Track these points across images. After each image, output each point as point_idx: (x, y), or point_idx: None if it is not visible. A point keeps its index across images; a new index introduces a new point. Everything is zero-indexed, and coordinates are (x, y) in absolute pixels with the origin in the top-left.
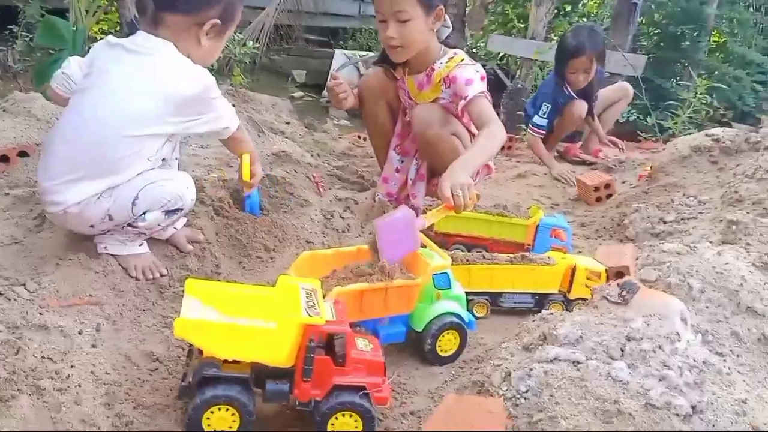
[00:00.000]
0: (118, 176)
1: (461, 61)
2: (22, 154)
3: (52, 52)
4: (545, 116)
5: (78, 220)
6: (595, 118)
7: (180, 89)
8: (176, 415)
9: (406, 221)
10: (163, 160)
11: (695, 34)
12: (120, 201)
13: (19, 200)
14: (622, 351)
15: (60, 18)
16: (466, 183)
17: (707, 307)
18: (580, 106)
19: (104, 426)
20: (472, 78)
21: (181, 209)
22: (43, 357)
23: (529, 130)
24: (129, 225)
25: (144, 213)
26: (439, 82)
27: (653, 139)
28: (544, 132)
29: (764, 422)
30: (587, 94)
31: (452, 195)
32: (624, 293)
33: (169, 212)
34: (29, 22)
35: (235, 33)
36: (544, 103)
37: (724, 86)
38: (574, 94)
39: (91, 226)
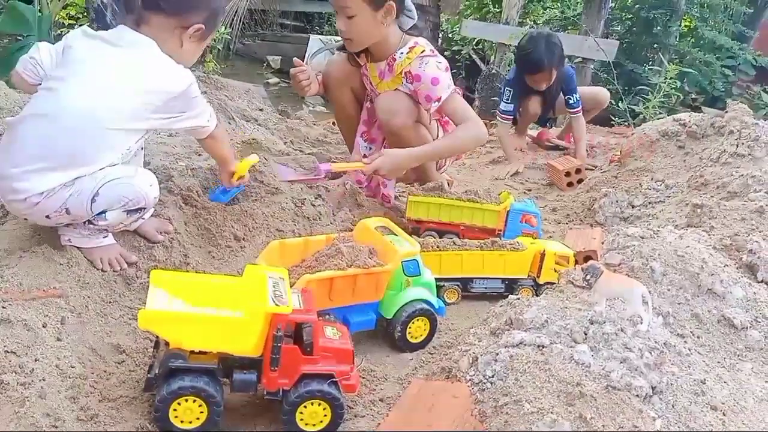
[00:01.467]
0: (87, 168)
1: (422, 52)
2: None
3: (19, 38)
4: (509, 101)
5: (35, 210)
6: (576, 121)
7: (165, 86)
8: (143, 407)
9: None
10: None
11: (667, 19)
12: (79, 195)
13: None
14: (586, 334)
15: (24, 3)
16: (394, 170)
17: (669, 290)
18: (535, 105)
19: (69, 420)
20: (437, 77)
21: (144, 208)
22: (6, 351)
23: (498, 118)
24: (89, 222)
25: (104, 212)
26: (401, 74)
27: (625, 124)
28: (511, 117)
29: (722, 401)
30: (548, 91)
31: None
32: (588, 277)
33: (130, 212)
34: None
35: None
36: (506, 89)
37: (694, 71)
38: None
39: (47, 216)
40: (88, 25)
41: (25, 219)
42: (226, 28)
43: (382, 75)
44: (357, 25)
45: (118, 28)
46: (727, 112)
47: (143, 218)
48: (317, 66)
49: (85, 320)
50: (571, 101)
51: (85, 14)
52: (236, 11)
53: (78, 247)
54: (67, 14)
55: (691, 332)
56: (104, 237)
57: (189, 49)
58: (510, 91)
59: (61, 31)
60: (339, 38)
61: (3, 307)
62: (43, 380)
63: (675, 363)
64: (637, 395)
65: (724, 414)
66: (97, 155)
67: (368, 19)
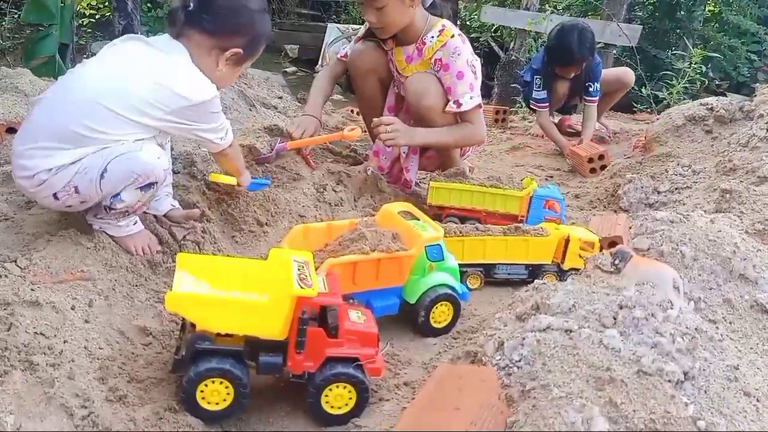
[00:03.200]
0: (92, 148)
1: (451, 37)
2: (10, 130)
3: (41, 28)
4: (540, 89)
5: (43, 188)
6: (589, 109)
7: (184, 93)
8: (170, 388)
9: None
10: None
11: (690, 4)
12: (86, 173)
13: (8, 177)
14: (615, 319)
15: None
16: (407, 137)
17: (700, 275)
18: (563, 86)
19: (98, 400)
20: (463, 72)
21: (155, 183)
22: (36, 333)
23: (534, 108)
24: (109, 208)
25: (119, 194)
26: (430, 59)
27: (648, 110)
28: (547, 104)
29: (756, 387)
30: (576, 77)
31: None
32: (616, 262)
33: (143, 188)
34: None
35: None
36: (536, 77)
37: (719, 56)
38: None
39: (56, 196)
40: (110, 15)
41: (35, 202)
42: None
43: (410, 59)
44: (387, 14)
45: (162, 35)
46: (755, 96)
47: (173, 204)
48: (334, 54)
49: (112, 303)
50: (590, 89)
51: (107, 4)
52: None
53: (111, 236)
54: (88, 4)
55: (723, 318)
56: (134, 224)
57: (224, 71)
58: (540, 78)
59: (83, 21)
60: (356, 26)
61: (32, 290)
62: (72, 361)
63: (707, 349)
64: (669, 381)
65: (757, 400)
66: (101, 137)
67: (397, 6)
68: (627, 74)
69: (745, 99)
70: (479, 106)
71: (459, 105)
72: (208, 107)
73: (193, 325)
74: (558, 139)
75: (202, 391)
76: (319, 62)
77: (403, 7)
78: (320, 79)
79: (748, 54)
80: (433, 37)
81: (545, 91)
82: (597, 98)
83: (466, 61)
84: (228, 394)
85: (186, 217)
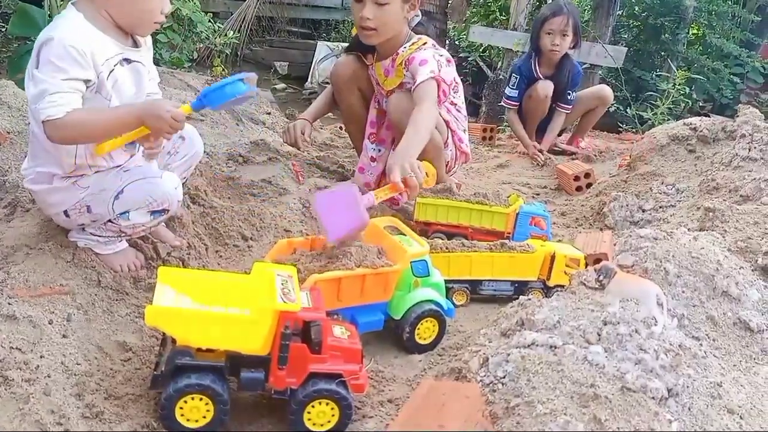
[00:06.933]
0: (60, 165)
1: (424, 44)
2: None
3: (28, 41)
4: (515, 87)
5: (51, 200)
6: (558, 116)
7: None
8: (149, 405)
9: (349, 197)
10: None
11: (674, 27)
12: (101, 193)
13: None
14: (599, 335)
15: (35, 6)
16: (415, 164)
17: (683, 292)
18: (545, 85)
19: (74, 417)
20: (426, 59)
21: (167, 210)
22: (12, 347)
23: (504, 104)
24: (110, 222)
25: (126, 212)
26: (401, 64)
27: (633, 130)
28: (516, 103)
29: (739, 405)
30: (556, 79)
31: (405, 178)
32: (601, 278)
33: (155, 212)
34: (5, 12)
35: (215, 23)
36: (513, 75)
37: (702, 78)
38: (542, 77)
39: (66, 213)
40: None
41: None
42: (234, 33)
43: (387, 72)
44: (387, 13)
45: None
46: (738, 116)
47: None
48: (324, 72)
49: (91, 317)
50: (569, 96)
51: None
52: (244, 18)
53: (96, 253)
54: None
55: (707, 335)
56: (120, 242)
57: (109, 4)
58: (516, 77)
59: None
60: (345, 44)
61: (9, 304)
62: (48, 377)
63: (691, 365)
64: (653, 397)
65: (741, 417)
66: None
67: (398, 9)
68: (604, 89)
69: (727, 119)
70: (436, 78)
71: (415, 81)
72: (48, 51)
73: (173, 340)
74: (522, 136)
75: (181, 408)
76: (309, 79)
77: (401, 13)
78: (320, 96)
79: (731, 76)
80: (405, 47)
81: (517, 90)
82: (571, 107)
83: (432, 55)
84: (208, 410)
85: (170, 243)
